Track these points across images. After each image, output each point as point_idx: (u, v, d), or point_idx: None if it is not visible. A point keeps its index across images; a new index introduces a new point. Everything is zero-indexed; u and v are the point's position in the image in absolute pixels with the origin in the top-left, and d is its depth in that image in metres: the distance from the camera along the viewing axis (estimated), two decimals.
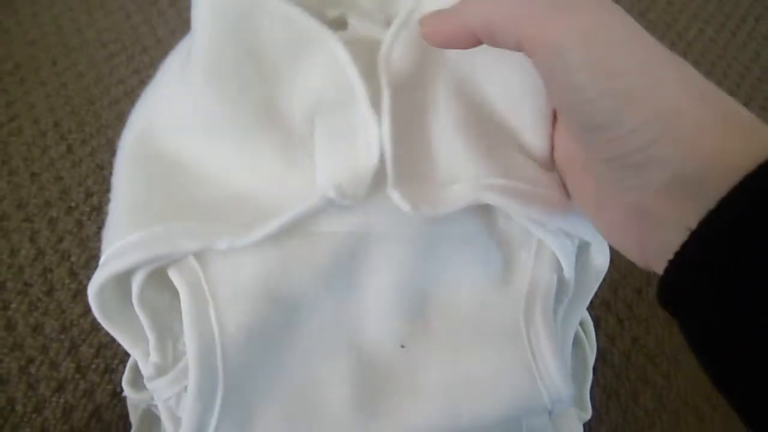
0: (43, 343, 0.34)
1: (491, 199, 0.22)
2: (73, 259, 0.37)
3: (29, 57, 0.46)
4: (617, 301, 0.38)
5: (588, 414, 0.28)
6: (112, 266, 0.20)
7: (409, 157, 0.23)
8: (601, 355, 0.35)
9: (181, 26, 0.49)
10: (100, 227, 0.38)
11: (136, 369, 0.24)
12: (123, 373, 0.33)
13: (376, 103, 0.22)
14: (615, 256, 0.39)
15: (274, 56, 0.22)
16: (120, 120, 0.43)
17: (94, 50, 0.47)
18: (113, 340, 0.34)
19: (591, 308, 0.37)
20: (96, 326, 0.34)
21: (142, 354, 0.22)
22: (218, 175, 0.23)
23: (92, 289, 0.21)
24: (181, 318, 0.22)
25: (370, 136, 0.22)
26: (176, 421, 0.22)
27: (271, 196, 0.22)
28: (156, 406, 0.24)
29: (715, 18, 0.55)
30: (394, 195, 0.21)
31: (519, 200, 0.22)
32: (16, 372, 0.33)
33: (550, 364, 0.23)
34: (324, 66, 0.22)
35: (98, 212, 0.39)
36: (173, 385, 0.21)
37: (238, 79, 0.22)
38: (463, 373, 0.23)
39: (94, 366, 0.33)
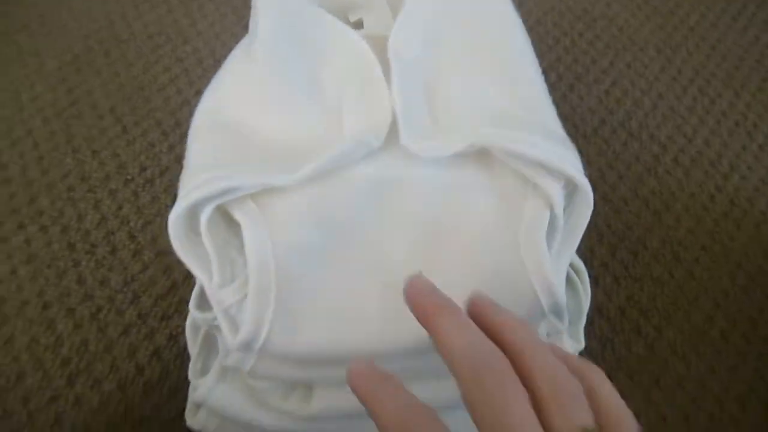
0: (109, 294, 0.39)
1: (483, 141, 0.27)
2: (131, 224, 0.42)
3: (85, 49, 0.51)
4: (614, 262, 0.41)
5: (581, 345, 0.32)
6: (191, 196, 0.25)
7: (417, 115, 0.29)
8: (598, 310, 0.39)
9: (219, 19, 0.54)
10: (153, 197, 0.44)
11: (200, 295, 0.29)
12: (178, 320, 0.38)
13: (388, 77, 0.29)
14: (613, 222, 0.43)
15: (315, 46, 0.30)
16: (167, 104, 0.48)
17: (141, 42, 0.52)
18: (169, 291, 0.40)
19: (590, 268, 0.41)
20: (154, 280, 0.40)
21: (207, 276, 0.27)
22: (271, 136, 0.29)
23: (173, 217, 0.26)
24: (236, 248, 0.28)
25: (383, 99, 0.28)
26: (235, 329, 0.26)
27: (312, 150, 0.28)
28: (216, 326, 0.28)
29: (716, 4, 0.57)
30: (406, 142, 0.28)
31: (505, 141, 0.27)
32: (88, 318, 0.38)
33: (547, 272, 0.27)
34: (349, 53, 0.30)
35: (151, 184, 0.44)
36: (235, 294, 0.26)
37: (290, 62, 0.30)
38: (474, 288, 0.27)
39: (153, 313, 0.38)
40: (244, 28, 0.53)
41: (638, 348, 0.38)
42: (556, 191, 0.28)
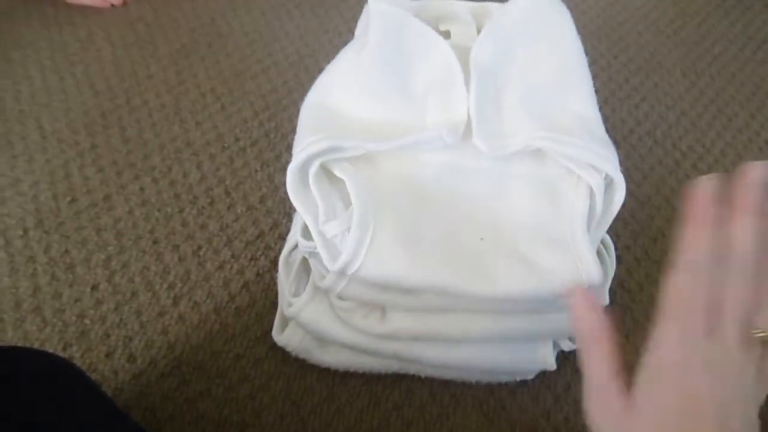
0: (207, 237, 0.47)
1: (538, 143, 0.35)
2: (227, 182, 0.50)
3: (192, 40, 0.60)
4: (636, 246, 0.48)
5: (605, 302, 0.38)
6: (306, 151, 0.33)
7: (487, 119, 0.36)
8: (620, 284, 0.46)
9: (303, 23, 0.63)
10: (245, 162, 0.52)
11: (304, 228, 0.36)
12: (264, 261, 0.46)
13: (467, 84, 0.36)
14: (637, 213, 0.49)
15: (410, 50, 0.38)
16: (258, 89, 0.57)
17: (239, 37, 0.61)
18: (257, 238, 0.47)
19: (615, 249, 0.48)
20: (244, 229, 0.47)
21: (313, 216, 0.34)
22: (367, 118, 0.36)
23: (291, 168, 0.33)
24: (337, 197, 0.35)
25: (462, 103, 0.36)
26: (334, 257, 0.33)
27: (399, 132, 0.35)
28: (315, 253, 0.35)
29: (738, 39, 0.65)
30: (477, 141, 0.34)
31: (556, 144, 0.34)
32: (190, 254, 0.46)
33: (589, 260, 0.34)
34: (438, 58, 0.37)
35: (244, 152, 0.52)
36: (337, 228, 0.33)
37: (389, 62, 0.37)
38: (526, 265, 0.34)
39: (244, 255, 0.46)
40: (325, 31, 0.63)
41: (653, 316, 0.44)
42: (596, 181, 0.35)
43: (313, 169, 0.34)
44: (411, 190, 0.35)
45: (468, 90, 0.35)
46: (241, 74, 0.58)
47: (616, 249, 0.48)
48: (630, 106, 0.58)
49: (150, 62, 0.58)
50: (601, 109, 0.57)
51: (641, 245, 0.48)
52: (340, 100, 0.37)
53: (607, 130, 0.56)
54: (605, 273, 0.40)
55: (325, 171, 0.35)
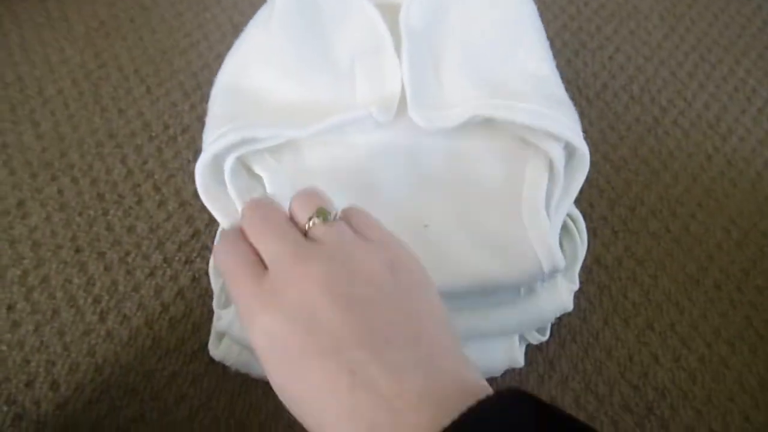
0: (136, 241, 0.42)
1: (483, 112, 0.29)
2: (156, 176, 0.44)
3: (111, 16, 0.54)
4: (613, 216, 0.43)
5: (575, 286, 0.34)
6: (214, 145, 0.28)
7: (424, 88, 0.31)
8: (596, 259, 0.41)
9: None
10: (176, 152, 0.46)
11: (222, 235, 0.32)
12: (200, 263, 0.41)
13: (398, 50, 0.30)
14: (612, 179, 0.45)
15: (327, 16, 0.32)
16: (188, 66, 0.51)
17: (164, 9, 0.54)
18: (191, 238, 0.42)
19: (590, 221, 0.43)
20: (177, 228, 0.42)
21: (229, 221, 0.29)
22: (285, 100, 0.31)
23: (199, 166, 0.29)
24: (258, 194, 0.30)
25: (394, 73, 0.30)
26: None
27: (323, 114, 0.30)
28: None
29: None
30: (413, 115, 0.29)
31: (505, 112, 0.29)
32: (117, 261, 0.41)
33: (549, 239, 0.29)
34: (362, 23, 0.31)
35: (174, 141, 0.46)
36: None
37: (303, 32, 0.32)
38: (477, 251, 0.29)
39: (177, 258, 0.41)
40: None
41: (634, 295, 0.40)
42: (556, 151, 0.30)
43: (229, 163, 0.29)
44: (343, 180, 0.30)
45: (400, 57, 0.30)
46: (169, 51, 0.51)
47: (591, 221, 0.43)
48: (603, 58, 0.52)
49: (64, 45, 0.52)
50: (570, 62, 0.52)
51: (619, 215, 0.43)
52: (252, 82, 0.32)
53: (579, 87, 0.51)
54: (574, 253, 0.35)
55: (243, 163, 0.30)
